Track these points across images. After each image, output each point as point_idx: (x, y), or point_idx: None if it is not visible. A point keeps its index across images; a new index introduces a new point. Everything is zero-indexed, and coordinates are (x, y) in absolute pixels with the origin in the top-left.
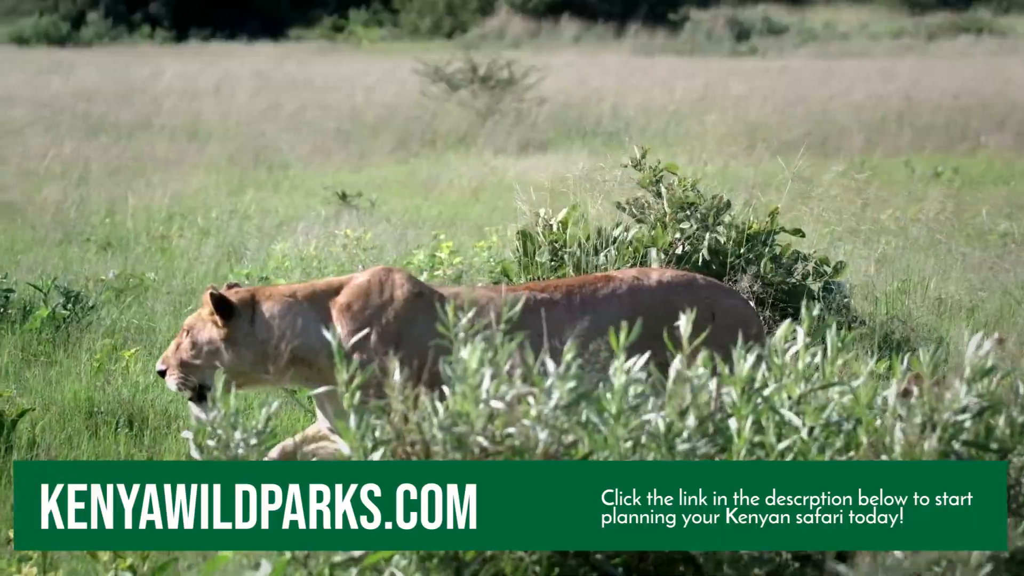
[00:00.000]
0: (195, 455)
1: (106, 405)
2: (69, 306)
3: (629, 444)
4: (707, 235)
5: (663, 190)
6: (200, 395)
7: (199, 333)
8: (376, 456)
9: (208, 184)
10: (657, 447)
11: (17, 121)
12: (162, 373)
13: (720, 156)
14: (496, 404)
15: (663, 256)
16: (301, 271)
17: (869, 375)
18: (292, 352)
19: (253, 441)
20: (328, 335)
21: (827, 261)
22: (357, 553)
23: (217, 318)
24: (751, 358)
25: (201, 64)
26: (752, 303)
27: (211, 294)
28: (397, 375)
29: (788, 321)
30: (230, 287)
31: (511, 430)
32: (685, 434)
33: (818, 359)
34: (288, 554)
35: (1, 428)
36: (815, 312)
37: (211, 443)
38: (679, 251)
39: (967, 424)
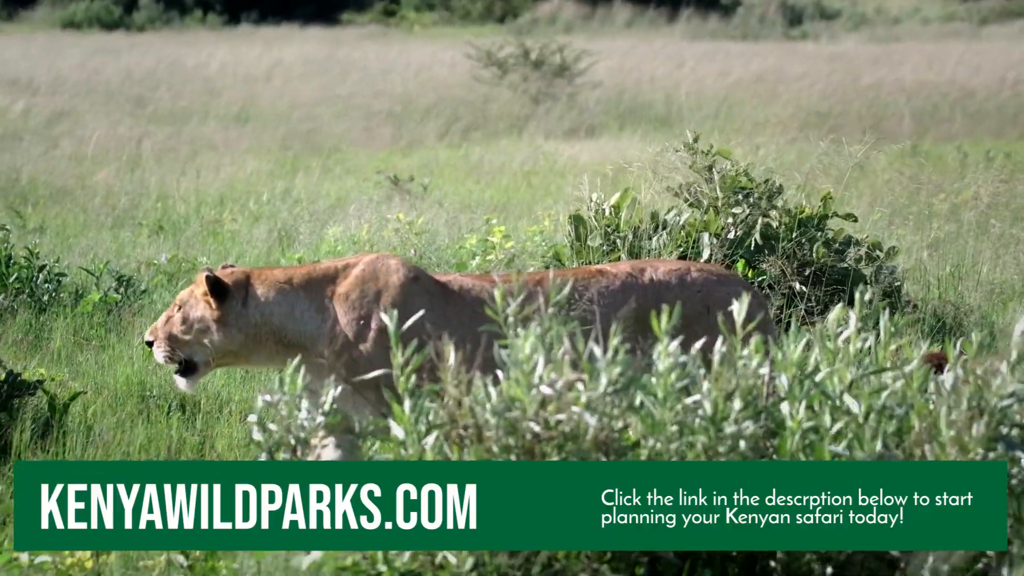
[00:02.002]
0: (257, 437)
1: (158, 389)
2: (121, 290)
3: (675, 428)
4: (760, 220)
5: (715, 175)
6: (186, 369)
7: (191, 310)
8: (430, 440)
9: (260, 168)
10: (704, 430)
11: (69, 106)
12: (150, 344)
13: (772, 141)
14: (546, 390)
15: (715, 240)
16: (354, 256)
17: (921, 360)
18: (287, 338)
19: (319, 419)
20: (385, 318)
21: (879, 245)
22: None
23: (211, 299)
24: (801, 342)
25: (253, 49)
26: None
27: (206, 276)
28: (452, 359)
29: (840, 305)
30: (224, 268)
31: (561, 416)
32: (732, 417)
33: (869, 343)
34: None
35: (54, 411)
36: (867, 297)
37: (273, 426)
38: (731, 236)
39: (1014, 409)
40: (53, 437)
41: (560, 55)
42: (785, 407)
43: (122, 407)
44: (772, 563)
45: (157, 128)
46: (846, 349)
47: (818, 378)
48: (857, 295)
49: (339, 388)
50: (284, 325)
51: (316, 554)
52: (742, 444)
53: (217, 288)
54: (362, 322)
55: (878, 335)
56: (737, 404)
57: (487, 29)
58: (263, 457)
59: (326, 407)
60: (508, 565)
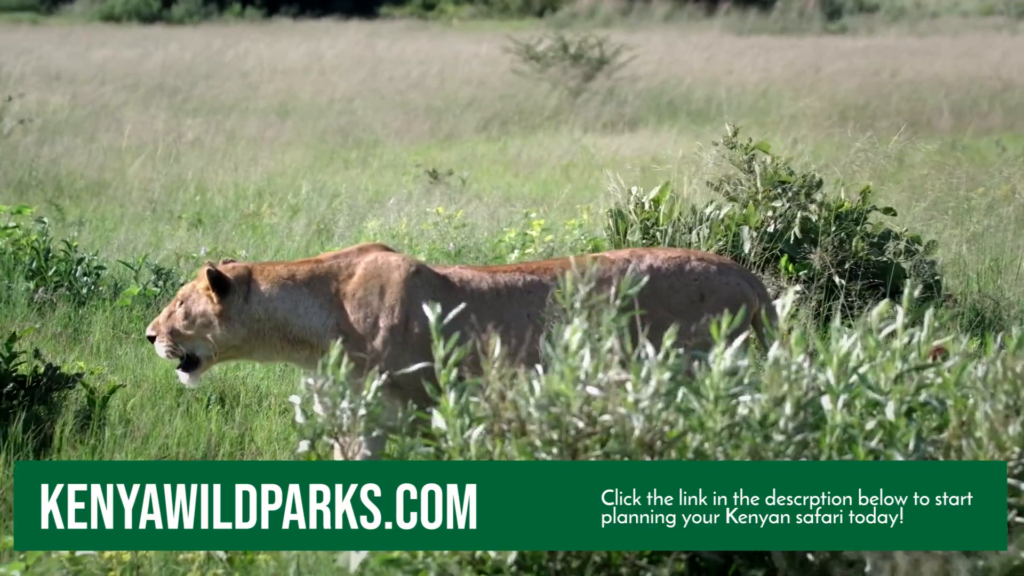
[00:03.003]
0: (300, 420)
1: None
2: (160, 283)
3: (724, 429)
4: (799, 213)
5: (755, 168)
6: (188, 364)
7: (193, 305)
8: (475, 434)
9: (298, 161)
10: (752, 436)
11: (108, 99)
12: (152, 339)
13: (812, 135)
14: (592, 391)
15: (755, 234)
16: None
17: (962, 354)
18: (292, 333)
19: (361, 412)
20: (428, 310)
21: (919, 239)
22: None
23: (213, 294)
24: (849, 339)
25: (292, 42)
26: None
27: (208, 271)
28: (497, 352)
29: (886, 300)
30: (226, 262)
31: (607, 416)
32: (781, 423)
33: (915, 339)
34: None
35: (93, 405)
36: (915, 292)
37: (318, 408)
38: (771, 229)
39: None
40: (92, 430)
41: (599, 49)
42: (826, 402)
43: (161, 400)
44: (810, 557)
45: (195, 121)
46: (889, 343)
47: (862, 370)
48: (906, 289)
49: (375, 383)
50: (289, 320)
51: (364, 553)
52: (791, 450)
53: (219, 282)
54: (370, 320)
55: (919, 330)
56: (788, 409)
57: (526, 23)
58: (304, 445)
59: (369, 397)
60: (548, 559)
